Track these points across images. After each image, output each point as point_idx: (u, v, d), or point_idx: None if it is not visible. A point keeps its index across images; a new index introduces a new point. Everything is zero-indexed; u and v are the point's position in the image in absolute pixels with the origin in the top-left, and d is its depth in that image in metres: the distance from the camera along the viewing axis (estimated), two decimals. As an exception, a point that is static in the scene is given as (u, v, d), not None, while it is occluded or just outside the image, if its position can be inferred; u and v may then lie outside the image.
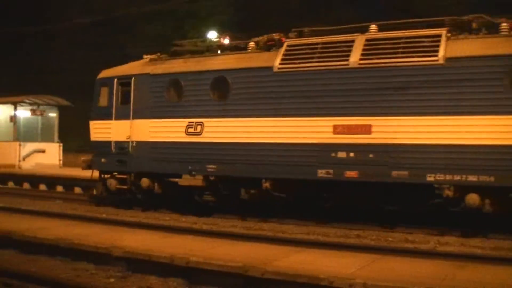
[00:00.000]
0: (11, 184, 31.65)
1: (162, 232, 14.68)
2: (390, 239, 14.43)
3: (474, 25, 15.68)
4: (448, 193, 14.69)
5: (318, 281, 9.45)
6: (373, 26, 16.79)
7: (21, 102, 36.66)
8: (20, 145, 35.93)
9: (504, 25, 15.11)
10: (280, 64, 17.31)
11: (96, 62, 21.77)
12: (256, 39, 18.77)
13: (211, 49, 19.76)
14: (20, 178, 31.56)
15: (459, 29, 15.79)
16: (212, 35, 31.88)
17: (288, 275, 9.78)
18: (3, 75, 50.69)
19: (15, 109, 36.90)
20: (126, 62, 21.27)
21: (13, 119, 36.86)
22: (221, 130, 18.12)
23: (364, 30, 16.84)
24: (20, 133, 37.68)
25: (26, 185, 30.64)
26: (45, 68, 50.01)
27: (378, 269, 10.37)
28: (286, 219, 17.45)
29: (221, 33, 30.10)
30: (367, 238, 14.59)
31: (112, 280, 11.18)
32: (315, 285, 9.47)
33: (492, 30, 15.39)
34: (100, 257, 12.14)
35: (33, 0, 46.43)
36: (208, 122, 18.41)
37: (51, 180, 29.40)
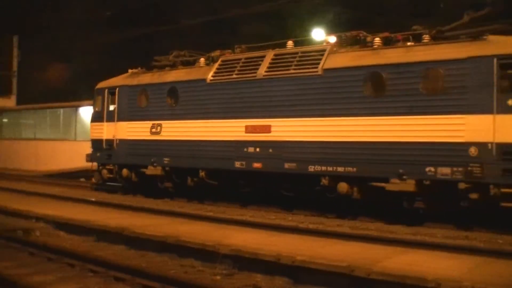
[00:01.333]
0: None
1: (269, 231, 14.75)
2: (500, 241, 13.96)
3: (378, 39, 18.18)
4: (325, 182, 18.00)
5: (425, 283, 9.27)
6: (290, 42, 20.40)
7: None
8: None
9: (377, 40, 18.12)
10: (212, 76, 21.43)
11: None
12: (210, 54, 22.68)
13: (176, 64, 23.93)
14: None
15: (354, 43, 18.79)
16: (318, 34, 31.80)
17: (394, 276, 9.64)
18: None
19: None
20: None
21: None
22: (173, 130, 22.58)
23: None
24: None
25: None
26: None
27: (487, 272, 10.10)
28: (393, 219, 17.26)
29: (329, 32, 30.14)
30: (476, 239, 14.18)
31: (218, 277, 11.30)
32: (422, 287, 9.30)
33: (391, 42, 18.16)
34: (207, 254, 12.27)
35: (140, 3, 47.53)
36: (165, 124, 22.94)
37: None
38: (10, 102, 51.41)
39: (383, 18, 43.87)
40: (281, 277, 10.95)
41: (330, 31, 33.75)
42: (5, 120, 50.28)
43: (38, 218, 17.05)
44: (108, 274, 11.11)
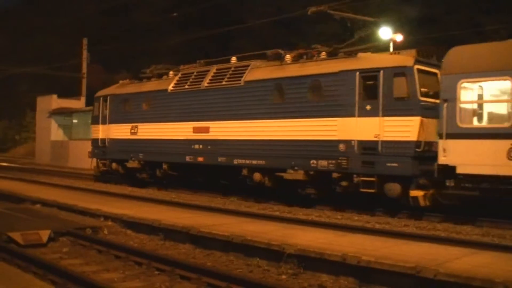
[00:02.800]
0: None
1: (335, 231, 14.69)
2: None
3: (288, 56, 22.30)
4: (245, 172, 22.53)
5: (493, 286, 9.08)
6: (234, 58, 24.68)
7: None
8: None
9: (288, 56, 22.37)
10: (172, 87, 26.58)
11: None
12: (179, 67, 27.81)
13: (154, 76, 28.99)
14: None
15: (274, 59, 22.89)
16: (385, 32, 31.44)
17: (461, 277, 9.47)
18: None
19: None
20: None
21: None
22: (145, 131, 27.97)
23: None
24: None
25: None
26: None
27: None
28: (461, 220, 17.01)
29: (395, 31, 29.83)
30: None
31: (283, 276, 11.31)
32: (489, 289, 9.12)
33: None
34: (272, 253, 12.26)
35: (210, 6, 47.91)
36: (140, 126, 28.27)
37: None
38: (79, 103, 52.34)
39: (452, 16, 43.17)
40: (347, 277, 10.90)
41: (398, 29, 33.36)
42: (75, 121, 51.25)
43: (106, 217, 17.31)
44: (174, 272, 11.21)
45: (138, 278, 11.07)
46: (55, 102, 52.79)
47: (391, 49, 28.94)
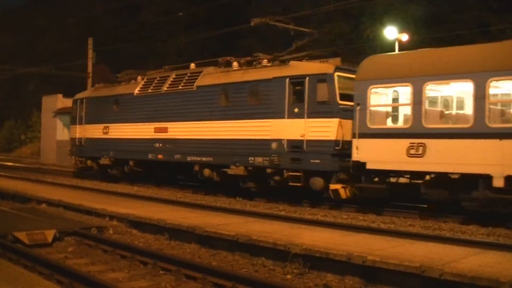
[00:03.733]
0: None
1: (340, 230, 14.69)
2: None
3: (235, 63, 24.86)
4: (196, 168, 25.00)
5: (498, 285, 9.08)
6: (193, 64, 27.31)
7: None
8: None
9: (235, 64, 24.88)
10: (138, 91, 29.24)
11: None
12: (146, 72, 30.63)
13: (125, 80, 31.63)
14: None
15: (225, 66, 25.52)
16: (391, 32, 31.37)
17: (467, 277, 9.47)
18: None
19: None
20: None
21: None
22: (115, 131, 30.67)
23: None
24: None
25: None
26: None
27: None
28: (467, 219, 16.99)
29: (401, 30, 29.75)
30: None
31: (289, 276, 11.33)
32: (495, 289, 9.10)
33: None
34: (278, 253, 12.28)
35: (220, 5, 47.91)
36: (111, 126, 31.02)
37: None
38: (85, 103, 52.33)
39: (458, 15, 42.95)
40: (352, 277, 10.91)
41: (403, 29, 33.27)
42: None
43: (112, 217, 17.32)
44: (180, 272, 11.22)
45: (143, 278, 11.10)
46: (60, 101, 52.84)
47: (397, 50, 28.99)
